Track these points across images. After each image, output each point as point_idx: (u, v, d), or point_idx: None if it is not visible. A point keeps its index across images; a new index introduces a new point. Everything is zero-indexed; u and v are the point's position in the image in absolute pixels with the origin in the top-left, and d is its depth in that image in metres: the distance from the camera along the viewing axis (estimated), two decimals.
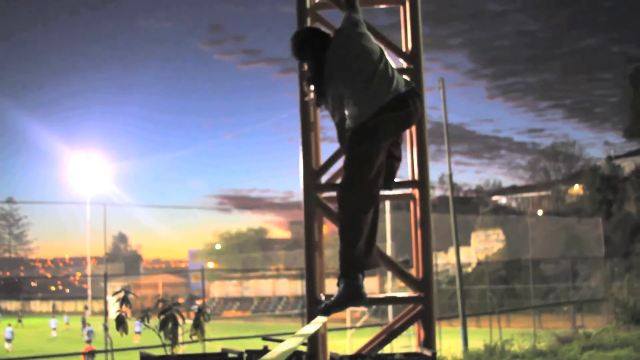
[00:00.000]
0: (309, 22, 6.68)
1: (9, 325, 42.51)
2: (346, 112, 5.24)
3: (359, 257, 4.90)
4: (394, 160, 5.64)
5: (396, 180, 6.00)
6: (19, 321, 56.62)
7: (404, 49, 6.71)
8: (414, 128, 6.32)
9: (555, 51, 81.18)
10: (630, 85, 46.03)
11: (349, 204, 5.01)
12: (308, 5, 6.72)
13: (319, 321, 4.76)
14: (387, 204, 24.59)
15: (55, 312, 64.83)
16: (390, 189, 5.76)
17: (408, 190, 6.57)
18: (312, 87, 5.45)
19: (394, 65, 5.29)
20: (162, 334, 6.08)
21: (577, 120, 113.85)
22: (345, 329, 24.64)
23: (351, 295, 4.85)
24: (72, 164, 48.21)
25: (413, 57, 6.48)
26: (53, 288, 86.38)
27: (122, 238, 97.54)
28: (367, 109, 5.07)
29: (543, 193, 61.72)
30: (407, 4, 6.62)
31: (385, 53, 5.31)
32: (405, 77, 5.48)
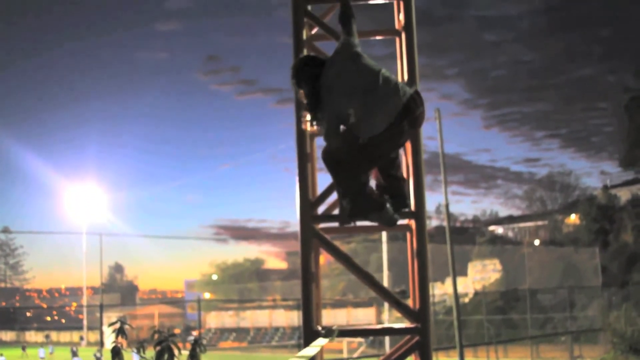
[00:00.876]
0: (305, 53, 6.71)
1: (2, 355, 42.38)
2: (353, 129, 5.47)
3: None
4: (398, 181, 5.78)
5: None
6: (23, 349, 56.71)
7: (400, 80, 6.74)
8: (410, 158, 6.34)
9: (551, 81, 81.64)
10: (625, 115, 46.16)
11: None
12: (304, 36, 6.76)
13: (318, 344, 4.76)
14: (384, 234, 24.56)
15: (48, 342, 64.50)
16: (407, 206, 5.98)
17: (405, 221, 6.56)
18: (308, 114, 5.59)
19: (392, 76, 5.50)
20: None
21: (573, 150, 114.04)
22: None
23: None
24: (68, 194, 48.26)
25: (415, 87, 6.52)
26: (49, 318, 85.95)
27: (118, 268, 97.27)
28: (380, 121, 5.30)
29: (540, 223, 61.70)
30: (403, 35, 6.66)
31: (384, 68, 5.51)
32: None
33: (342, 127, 5.53)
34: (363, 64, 5.56)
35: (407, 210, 6.08)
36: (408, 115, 5.35)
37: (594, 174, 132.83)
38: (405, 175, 6.49)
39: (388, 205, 5.84)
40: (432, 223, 61.41)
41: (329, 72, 5.53)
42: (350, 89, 5.40)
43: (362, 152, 5.48)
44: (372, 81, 5.40)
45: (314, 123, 5.72)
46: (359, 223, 6.07)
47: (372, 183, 5.97)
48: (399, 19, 6.91)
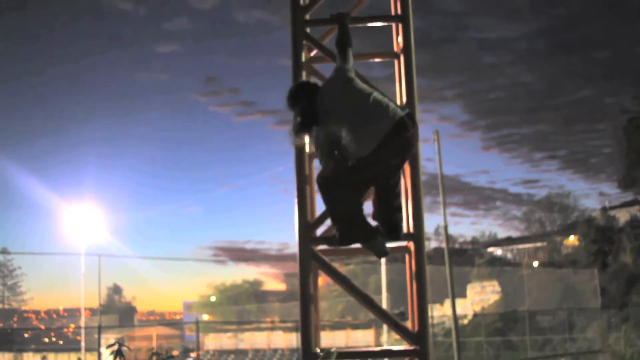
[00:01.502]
0: (304, 75, 6.73)
1: None
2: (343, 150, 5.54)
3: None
4: (393, 212, 5.79)
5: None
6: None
7: (399, 102, 6.76)
8: (408, 179, 6.34)
9: (549, 102, 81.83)
10: (623, 137, 46.23)
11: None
12: (303, 58, 6.78)
13: None
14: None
15: None
16: (399, 239, 5.98)
17: (403, 243, 6.56)
18: (300, 134, 5.67)
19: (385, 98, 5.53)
20: None
21: (572, 171, 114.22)
22: None
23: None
24: (67, 215, 48.11)
25: (408, 109, 6.53)
26: (46, 340, 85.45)
27: (116, 289, 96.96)
28: (368, 142, 5.31)
29: (539, 244, 61.63)
30: (402, 58, 6.69)
31: (377, 91, 5.56)
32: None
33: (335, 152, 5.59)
34: (355, 88, 5.63)
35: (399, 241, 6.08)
36: (397, 137, 5.36)
37: (592, 195, 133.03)
38: (403, 197, 6.50)
39: (379, 235, 5.85)
40: (431, 244, 61.37)
41: (322, 98, 5.63)
42: (342, 114, 5.47)
43: (352, 174, 5.51)
44: (363, 103, 5.45)
45: (302, 138, 5.82)
46: (355, 245, 6.08)
47: (368, 209, 5.99)
48: (398, 41, 6.94)
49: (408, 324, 6.51)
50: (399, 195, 5.97)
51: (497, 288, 49.33)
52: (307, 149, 6.13)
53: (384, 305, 25.43)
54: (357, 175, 5.51)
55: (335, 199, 5.67)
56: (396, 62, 7.02)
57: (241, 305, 66.13)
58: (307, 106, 5.67)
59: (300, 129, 5.77)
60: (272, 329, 60.50)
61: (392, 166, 5.66)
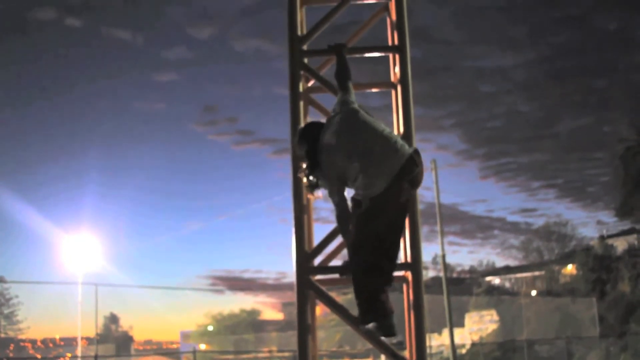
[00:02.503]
0: (302, 106, 6.76)
1: None
2: (353, 189, 5.52)
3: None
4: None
5: None
6: None
7: (396, 132, 6.79)
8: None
9: (547, 131, 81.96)
10: (621, 165, 46.30)
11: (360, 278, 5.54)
12: (301, 89, 6.82)
13: None
14: None
15: None
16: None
17: (401, 273, 6.56)
18: (308, 175, 5.65)
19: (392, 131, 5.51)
20: None
21: (569, 200, 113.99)
22: None
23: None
24: (64, 244, 48.00)
25: (405, 139, 6.54)
26: None
27: (113, 318, 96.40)
28: (379, 181, 5.30)
29: (537, 273, 61.47)
30: (399, 88, 6.72)
31: (381, 123, 5.53)
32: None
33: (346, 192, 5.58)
34: (362, 121, 5.59)
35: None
36: (406, 176, 5.34)
37: (590, 224, 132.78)
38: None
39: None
40: (429, 274, 61.12)
41: (327, 132, 5.60)
42: (349, 149, 5.42)
43: (368, 219, 5.42)
44: (371, 141, 5.42)
45: (314, 188, 5.79)
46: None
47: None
48: (395, 71, 6.98)
49: (406, 354, 6.49)
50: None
51: (495, 317, 49.16)
52: (310, 195, 6.12)
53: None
54: (373, 219, 5.39)
55: (362, 268, 5.51)
56: (393, 92, 7.05)
57: (239, 335, 65.78)
58: (314, 146, 5.67)
59: (310, 172, 5.75)
60: (270, 358, 60.18)
61: (402, 203, 5.56)
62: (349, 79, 6.10)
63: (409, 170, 5.36)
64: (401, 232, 5.70)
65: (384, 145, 5.39)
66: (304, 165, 5.81)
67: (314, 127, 5.83)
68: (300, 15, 7.18)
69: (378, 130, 5.49)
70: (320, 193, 5.91)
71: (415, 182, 5.50)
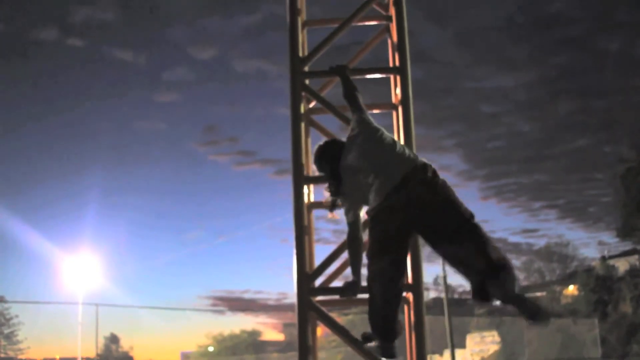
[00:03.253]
0: (303, 127, 6.78)
1: None
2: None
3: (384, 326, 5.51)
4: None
5: None
6: None
7: None
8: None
9: (548, 152, 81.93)
10: (621, 186, 46.30)
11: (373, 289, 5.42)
12: (302, 110, 6.83)
13: None
14: None
15: None
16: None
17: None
18: (331, 194, 5.66)
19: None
20: None
21: (571, 220, 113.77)
22: None
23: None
24: (64, 264, 48.00)
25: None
26: None
27: (113, 339, 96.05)
28: (379, 194, 5.26)
29: (538, 294, 61.34)
30: (400, 109, 6.73)
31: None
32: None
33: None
34: (384, 141, 5.53)
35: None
36: (409, 184, 5.17)
37: (591, 244, 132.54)
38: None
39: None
40: (430, 295, 61.04)
41: (351, 153, 5.59)
42: (371, 169, 5.37)
43: (373, 234, 5.36)
44: (389, 160, 5.38)
45: (334, 207, 5.80)
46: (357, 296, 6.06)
47: None
48: (396, 93, 6.99)
49: None
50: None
51: (497, 338, 49.00)
52: (331, 215, 6.10)
53: None
54: (376, 233, 5.32)
55: (377, 282, 5.41)
56: (394, 113, 7.06)
57: (239, 356, 65.56)
58: (332, 166, 5.68)
59: (333, 192, 5.75)
60: None
61: (410, 214, 5.22)
62: (360, 98, 6.08)
63: (413, 177, 5.19)
64: (401, 251, 5.42)
65: (395, 158, 5.37)
66: (327, 185, 5.83)
67: (335, 145, 5.84)
68: (302, 36, 7.22)
69: (398, 149, 5.47)
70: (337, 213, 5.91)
71: (424, 194, 5.16)
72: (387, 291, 5.40)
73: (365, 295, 5.60)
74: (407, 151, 5.51)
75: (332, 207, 5.85)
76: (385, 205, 5.23)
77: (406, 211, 5.19)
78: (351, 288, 5.74)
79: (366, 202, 5.46)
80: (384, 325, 5.52)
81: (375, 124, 5.80)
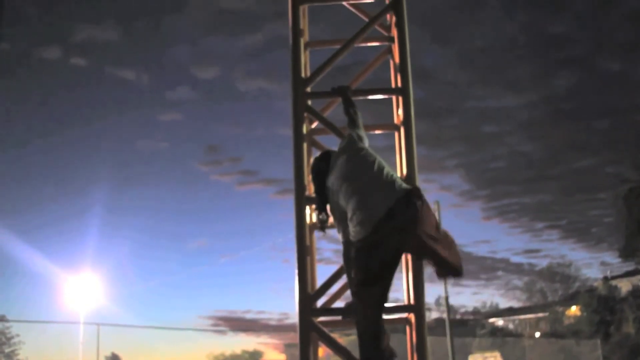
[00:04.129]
0: (305, 147, 6.78)
1: None
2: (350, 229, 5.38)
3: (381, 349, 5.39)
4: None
5: (391, 304, 6.02)
6: None
7: (399, 173, 6.80)
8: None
9: (550, 172, 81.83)
10: (624, 206, 46.27)
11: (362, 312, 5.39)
12: (305, 130, 6.84)
13: None
14: None
15: None
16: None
17: (403, 315, 6.54)
18: (317, 211, 5.65)
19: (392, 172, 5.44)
20: None
21: (573, 241, 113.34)
22: None
23: None
24: (66, 284, 47.95)
25: (408, 180, 6.55)
26: None
27: (114, 359, 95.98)
28: (364, 227, 5.21)
29: (540, 314, 61.16)
30: (402, 130, 6.74)
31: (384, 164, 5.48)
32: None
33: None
34: (364, 164, 5.48)
35: None
36: (393, 220, 5.14)
37: (594, 264, 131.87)
38: (404, 269, 6.49)
39: None
40: (432, 315, 60.86)
41: (332, 174, 5.59)
42: (348, 193, 5.37)
43: (359, 262, 5.33)
44: (368, 185, 5.33)
45: (324, 225, 5.78)
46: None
47: None
48: (398, 113, 7.00)
49: None
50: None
51: (499, 359, 48.88)
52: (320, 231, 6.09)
53: None
54: (362, 261, 5.28)
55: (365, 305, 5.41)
56: (396, 133, 7.07)
57: None
58: (321, 181, 5.68)
59: (318, 208, 5.75)
60: None
61: (392, 249, 5.30)
62: (357, 114, 6.08)
63: (400, 212, 5.15)
64: (391, 276, 5.39)
65: (377, 188, 5.30)
66: (315, 202, 5.83)
67: (322, 160, 5.84)
68: (304, 57, 7.25)
69: (377, 175, 5.40)
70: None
71: (410, 222, 5.20)
72: (380, 315, 5.42)
73: None
74: (389, 177, 5.41)
75: (321, 225, 5.84)
76: (372, 239, 5.18)
77: (394, 241, 5.21)
78: (353, 309, 5.71)
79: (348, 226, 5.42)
80: (378, 346, 5.46)
81: (362, 143, 5.77)
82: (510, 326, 64.51)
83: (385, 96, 7.18)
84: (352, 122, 6.02)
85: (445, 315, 23.62)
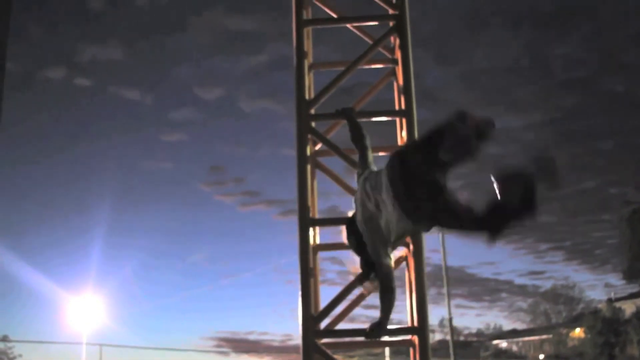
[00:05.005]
0: (309, 169, 6.79)
1: None
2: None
3: None
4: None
5: (395, 327, 6.02)
6: None
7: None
8: (412, 274, 6.34)
9: (553, 193, 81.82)
10: (627, 228, 46.19)
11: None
12: (308, 152, 6.85)
13: None
14: (387, 350, 24.26)
15: None
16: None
17: (407, 337, 6.52)
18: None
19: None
20: None
21: (577, 262, 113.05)
22: None
23: None
24: (68, 304, 47.92)
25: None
26: None
27: None
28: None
29: (544, 336, 60.97)
30: None
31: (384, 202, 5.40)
32: None
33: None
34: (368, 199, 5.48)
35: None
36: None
37: (598, 286, 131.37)
38: (408, 289, 6.49)
39: None
40: (436, 337, 60.58)
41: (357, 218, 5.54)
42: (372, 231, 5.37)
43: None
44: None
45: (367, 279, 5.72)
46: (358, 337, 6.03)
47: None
48: (402, 135, 7.02)
49: None
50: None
51: None
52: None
53: None
54: None
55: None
56: None
57: None
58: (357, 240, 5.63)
59: (363, 269, 5.71)
60: None
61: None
62: (364, 142, 5.97)
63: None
64: None
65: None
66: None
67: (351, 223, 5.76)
68: (308, 79, 7.27)
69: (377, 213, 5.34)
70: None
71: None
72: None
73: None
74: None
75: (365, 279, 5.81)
76: None
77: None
78: (378, 330, 5.68)
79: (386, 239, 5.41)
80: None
81: (361, 179, 5.68)
82: (514, 348, 64.31)
83: (389, 118, 7.20)
84: (361, 155, 5.88)
85: (448, 337, 23.54)
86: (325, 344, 6.42)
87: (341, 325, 6.57)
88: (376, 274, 5.49)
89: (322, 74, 7.62)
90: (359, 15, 7.52)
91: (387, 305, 5.54)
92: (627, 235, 46.67)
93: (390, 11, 7.26)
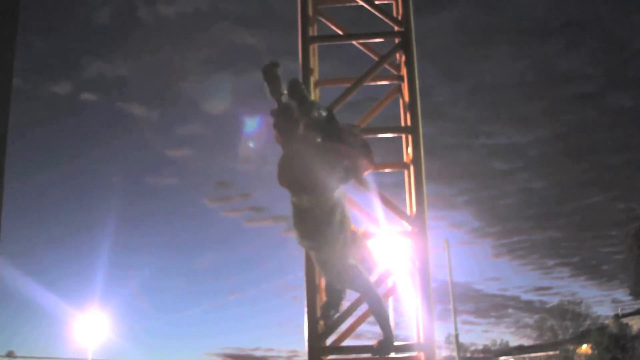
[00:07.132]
0: None
1: None
2: None
3: None
4: None
5: (401, 343, 6.00)
6: None
7: (408, 211, 6.82)
8: (419, 287, 6.33)
9: (560, 209, 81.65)
10: (634, 244, 46.08)
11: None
12: None
13: None
14: None
15: None
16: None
17: (414, 353, 6.51)
18: None
19: None
20: None
21: (584, 278, 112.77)
22: None
23: None
24: (74, 320, 47.93)
25: (417, 221, 6.55)
26: None
27: None
28: None
29: (551, 353, 60.70)
30: (412, 168, 6.76)
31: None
32: None
33: None
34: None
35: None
36: None
37: (605, 302, 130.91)
38: (414, 305, 6.47)
39: None
40: (442, 353, 60.35)
41: None
42: None
43: None
44: None
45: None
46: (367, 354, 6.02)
47: None
48: (408, 152, 7.02)
49: None
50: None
51: None
52: None
53: None
54: None
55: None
56: (406, 171, 7.08)
57: None
58: None
59: None
60: None
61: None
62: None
63: None
64: None
65: None
66: None
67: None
68: (315, 95, 7.28)
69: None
70: None
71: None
72: None
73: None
74: None
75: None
76: None
77: None
78: (385, 346, 5.66)
79: None
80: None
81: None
82: None
83: (395, 135, 7.21)
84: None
85: (455, 354, 23.48)
86: None
87: (347, 342, 6.56)
88: (353, 289, 5.62)
89: (328, 91, 7.63)
90: (364, 32, 7.55)
91: (381, 318, 5.60)
92: (634, 251, 46.55)
93: (396, 28, 7.28)
